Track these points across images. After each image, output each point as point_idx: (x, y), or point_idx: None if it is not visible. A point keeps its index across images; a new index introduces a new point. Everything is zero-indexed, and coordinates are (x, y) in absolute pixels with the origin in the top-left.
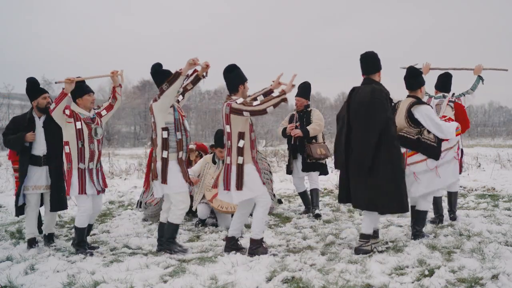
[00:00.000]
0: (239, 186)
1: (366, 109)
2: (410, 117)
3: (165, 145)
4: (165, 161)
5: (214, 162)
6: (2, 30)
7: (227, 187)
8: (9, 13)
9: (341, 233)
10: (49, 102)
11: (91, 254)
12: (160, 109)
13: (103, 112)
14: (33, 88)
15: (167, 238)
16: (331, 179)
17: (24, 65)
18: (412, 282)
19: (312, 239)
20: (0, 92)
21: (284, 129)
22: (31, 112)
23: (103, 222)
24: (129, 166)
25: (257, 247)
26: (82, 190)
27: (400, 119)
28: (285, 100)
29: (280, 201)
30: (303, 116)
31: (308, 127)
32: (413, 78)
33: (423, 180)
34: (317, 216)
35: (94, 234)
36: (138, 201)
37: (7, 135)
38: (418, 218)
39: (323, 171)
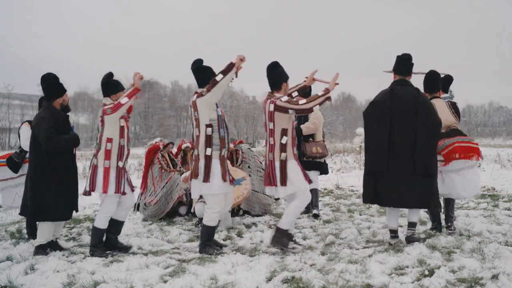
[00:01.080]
0: (283, 181)
1: (426, 112)
2: (458, 112)
3: (209, 142)
4: (208, 159)
5: None
6: (2, 30)
7: (272, 183)
8: (9, 13)
9: (341, 233)
10: (69, 99)
11: (112, 255)
12: (207, 104)
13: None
14: (58, 84)
15: (203, 241)
16: (331, 179)
17: (24, 65)
18: (412, 282)
19: (312, 239)
20: (0, 92)
21: None
22: (59, 110)
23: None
24: (129, 166)
25: (281, 237)
26: (118, 189)
27: (447, 115)
28: (329, 98)
29: (277, 199)
30: (301, 116)
31: (301, 126)
32: (434, 81)
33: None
34: (316, 216)
35: None
36: (135, 204)
37: (55, 136)
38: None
39: (323, 170)
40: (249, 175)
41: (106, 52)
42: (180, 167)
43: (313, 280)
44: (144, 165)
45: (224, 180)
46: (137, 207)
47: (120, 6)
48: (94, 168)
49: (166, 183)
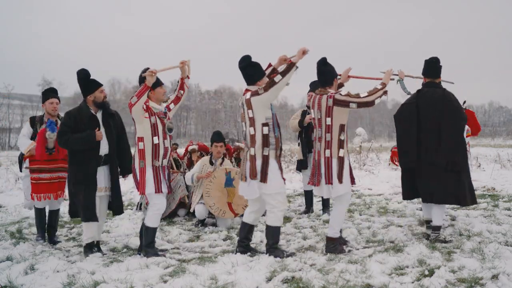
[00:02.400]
0: (341, 179)
1: (452, 110)
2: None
3: (266, 141)
4: (266, 159)
5: (211, 163)
6: (2, 30)
7: (328, 181)
8: (9, 13)
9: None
10: (105, 96)
11: (164, 256)
12: (264, 103)
13: (171, 106)
14: (89, 80)
15: (271, 245)
16: None
17: (24, 65)
18: (412, 282)
19: (312, 239)
20: (0, 92)
21: (301, 120)
22: (88, 107)
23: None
24: None
25: (334, 246)
26: (158, 189)
27: None
28: (386, 92)
29: None
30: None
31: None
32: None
33: None
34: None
35: None
36: (138, 203)
37: (66, 133)
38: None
39: None
40: None
41: (105, 52)
42: (185, 169)
43: (313, 280)
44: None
45: (283, 178)
46: (139, 206)
47: (120, 6)
48: (133, 169)
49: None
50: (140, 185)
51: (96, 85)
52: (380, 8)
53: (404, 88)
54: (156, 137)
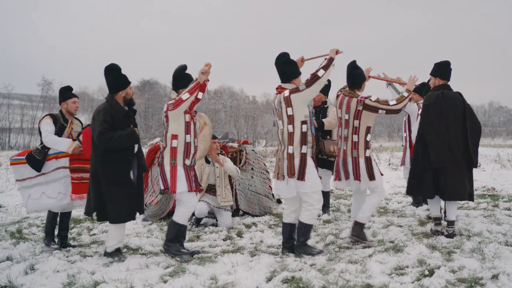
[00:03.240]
0: (372, 176)
1: (472, 115)
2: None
3: (304, 139)
4: (304, 157)
5: (207, 161)
6: (2, 30)
7: (356, 177)
8: (9, 13)
9: (341, 233)
10: (133, 92)
11: (192, 255)
12: (305, 99)
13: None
14: (122, 76)
15: (301, 241)
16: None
17: (24, 65)
18: (412, 282)
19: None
20: (0, 92)
21: None
22: (119, 104)
23: (103, 222)
24: None
25: (360, 230)
26: (191, 187)
27: None
28: (411, 99)
29: (279, 201)
30: (319, 112)
31: (323, 119)
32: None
33: None
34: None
35: (94, 234)
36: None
37: (108, 131)
38: None
39: (333, 170)
40: (252, 177)
41: (105, 52)
42: None
43: (313, 280)
44: None
45: (320, 177)
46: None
47: (120, 6)
48: (161, 166)
49: None
50: (171, 184)
51: (128, 81)
52: (383, 8)
53: (396, 90)
54: (189, 136)
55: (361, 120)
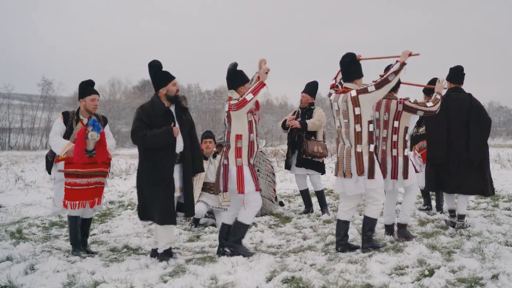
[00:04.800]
0: (406, 175)
1: (478, 113)
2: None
3: (371, 138)
4: (371, 155)
5: (205, 158)
6: (2, 30)
7: (393, 176)
8: (9, 13)
9: None
10: (178, 89)
11: (251, 255)
12: (373, 100)
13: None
14: (162, 72)
15: (369, 236)
16: (331, 179)
17: (24, 65)
18: (412, 282)
19: (312, 239)
20: (0, 92)
21: (285, 121)
22: (161, 101)
23: (103, 222)
24: (129, 166)
25: (404, 230)
26: (257, 187)
27: None
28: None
29: (282, 204)
30: (305, 113)
31: (307, 120)
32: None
33: None
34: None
35: (94, 234)
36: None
37: (142, 129)
38: None
39: (320, 170)
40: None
41: (105, 52)
42: None
43: (313, 280)
44: None
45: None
46: None
47: (120, 6)
48: (225, 167)
49: None
50: (239, 185)
51: (170, 77)
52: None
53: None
54: (252, 134)
55: (401, 121)
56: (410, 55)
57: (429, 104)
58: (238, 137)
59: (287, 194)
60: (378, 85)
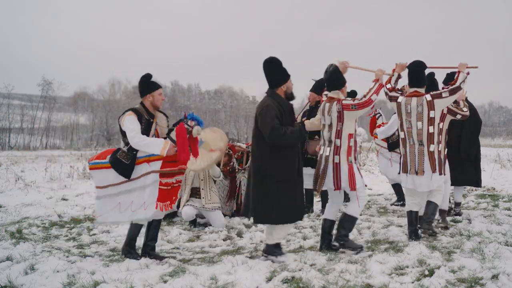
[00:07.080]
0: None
1: (472, 112)
2: None
3: (440, 139)
4: (440, 154)
5: None
6: (2, 30)
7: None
8: (9, 13)
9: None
10: (293, 86)
11: (360, 248)
12: (445, 105)
13: None
14: (283, 69)
15: (432, 219)
16: None
17: (24, 65)
18: (412, 282)
19: (312, 239)
20: (0, 92)
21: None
22: (283, 99)
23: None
24: None
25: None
26: (363, 182)
27: None
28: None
29: None
30: (311, 112)
31: (305, 120)
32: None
33: None
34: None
35: (94, 234)
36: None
37: (280, 127)
38: None
39: None
40: None
41: (105, 52)
42: None
43: (313, 280)
44: None
45: None
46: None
47: (120, 6)
48: (337, 165)
49: None
50: (350, 182)
51: (288, 74)
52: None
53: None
54: (355, 134)
55: (444, 122)
56: (467, 67)
57: (465, 109)
58: (350, 136)
59: None
60: (452, 92)
